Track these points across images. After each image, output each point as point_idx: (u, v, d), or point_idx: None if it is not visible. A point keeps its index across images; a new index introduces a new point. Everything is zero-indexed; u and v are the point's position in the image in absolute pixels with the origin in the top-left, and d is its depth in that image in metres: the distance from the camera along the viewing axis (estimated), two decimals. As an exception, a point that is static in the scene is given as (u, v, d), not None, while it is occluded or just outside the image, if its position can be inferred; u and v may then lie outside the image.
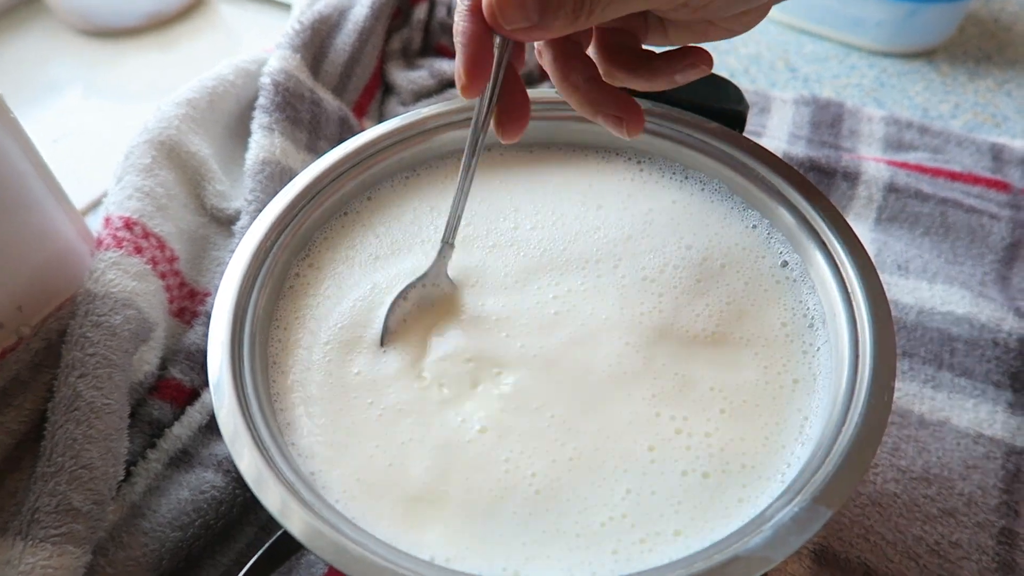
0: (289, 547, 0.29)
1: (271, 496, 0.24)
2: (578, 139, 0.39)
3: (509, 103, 0.29)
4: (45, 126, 0.59)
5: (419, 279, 0.31)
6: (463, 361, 0.30)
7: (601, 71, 0.30)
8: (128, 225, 0.40)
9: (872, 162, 0.52)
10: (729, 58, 0.66)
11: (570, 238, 0.34)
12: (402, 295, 0.31)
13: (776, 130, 0.57)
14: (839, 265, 0.31)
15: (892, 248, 0.49)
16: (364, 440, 0.28)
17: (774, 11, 0.69)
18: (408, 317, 0.31)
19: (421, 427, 0.28)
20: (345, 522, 0.25)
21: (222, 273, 0.43)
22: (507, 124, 0.29)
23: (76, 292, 0.37)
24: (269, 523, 0.37)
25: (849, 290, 0.30)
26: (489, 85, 0.28)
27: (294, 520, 0.24)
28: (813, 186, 0.34)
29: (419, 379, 0.29)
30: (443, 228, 0.32)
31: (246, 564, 0.35)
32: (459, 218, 0.31)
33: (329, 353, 0.30)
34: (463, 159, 0.30)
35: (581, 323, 0.31)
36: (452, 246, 0.32)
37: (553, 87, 0.31)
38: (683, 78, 0.29)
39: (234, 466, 0.36)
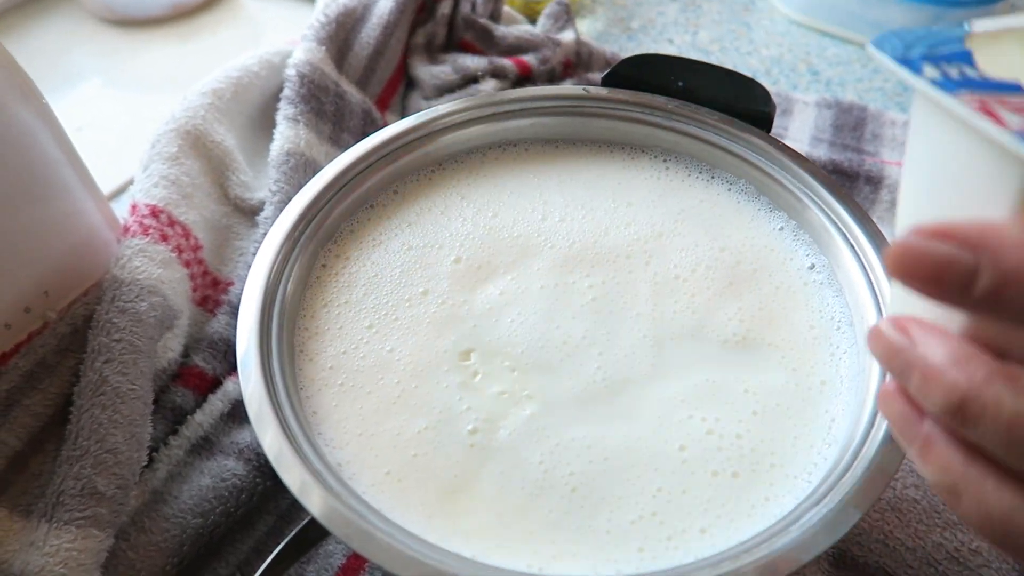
0: (314, 536, 0.29)
1: (293, 477, 0.24)
2: (605, 136, 0.39)
3: None
4: (68, 115, 0.60)
5: None
6: (498, 354, 0.30)
7: None
8: (154, 213, 0.40)
9: (895, 166, 0.52)
10: (751, 59, 0.66)
11: (601, 232, 0.34)
12: None
13: (798, 132, 0.57)
14: (867, 267, 0.31)
15: (914, 253, 0.48)
16: (394, 431, 0.28)
17: (796, 13, 0.69)
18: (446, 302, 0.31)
19: (454, 421, 0.28)
20: (371, 511, 0.25)
21: (245, 263, 0.44)
22: None
23: (102, 278, 0.37)
24: (289, 512, 0.37)
25: (877, 292, 0.30)
26: None
27: (317, 503, 0.24)
28: (841, 187, 0.34)
29: (453, 370, 0.29)
30: (476, 219, 0.31)
31: (265, 551, 0.35)
32: None
33: (360, 342, 0.30)
34: None
35: (614, 318, 0.31)
36: None
37: (577, 83, 0.30)
38: None
39: (256, 454, 0.36)
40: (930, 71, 0.14)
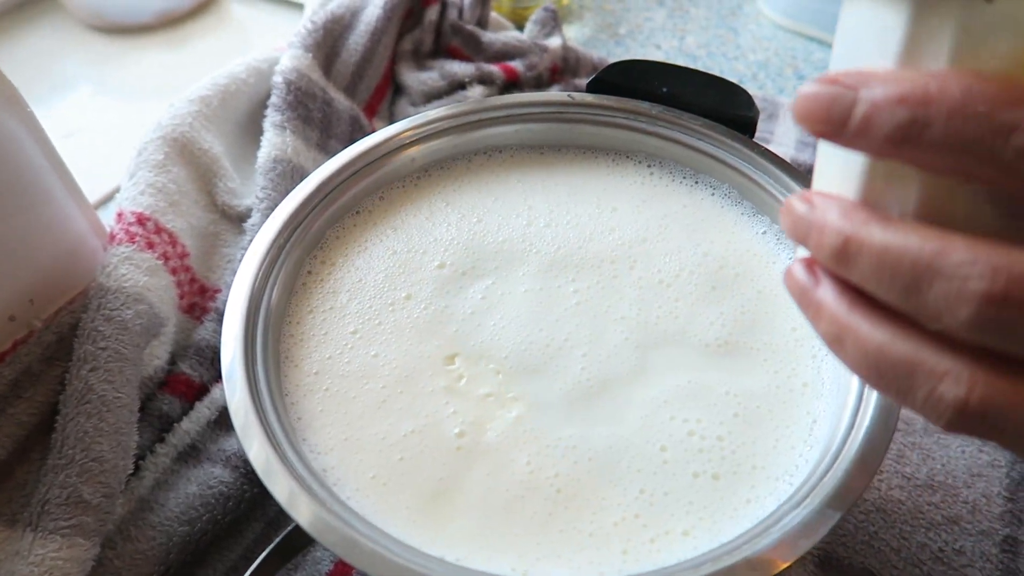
0: (299, 542, 0.29)
1: (281, 488, 0.24)
2: (590, 142, 0.39)
3: None
4: (55, 122, 0.60)
5: None
6: (482, 358, 0.30)
7: None
8: (141, 220, 0.40)
9: (880, 170, 0.52)
10: (737, 64, 0.66)
11: (585, 237, 0.34)
12: None
13: (784, 136, 0.57)
14: (849, 271, 0.31)
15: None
16: (380, 435, 0.28)
17: (783, 18, 0.69)
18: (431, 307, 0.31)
19: (441, 424, 0.28)
20: (356, 517, 0.25)
21: (232, 270, 0.44)
22: None
23: (88, 286, 0.37)
24: (276, 519, 0.37)
25: (859, 295, 0.30)
26: None
27: (304, 512, 0.24)
28: (823, 192, 0.34)
29: (438, 374, 0.30)
30: (460, 224, 0.32)
31: (253, 559, 0.35)
32: None
33: (344, 348, 0.30)
34: None
35: (598, 321, 0.31)
36: None
37: (564, 89, 0.31)
38: None
39: (243, 461, 0.36)
40: None
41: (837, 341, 0.19)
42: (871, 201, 0.19)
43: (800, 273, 0.20)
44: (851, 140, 0.18)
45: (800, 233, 0.19)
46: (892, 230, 0.17)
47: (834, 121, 0.17)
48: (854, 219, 0.18)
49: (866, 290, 0.18)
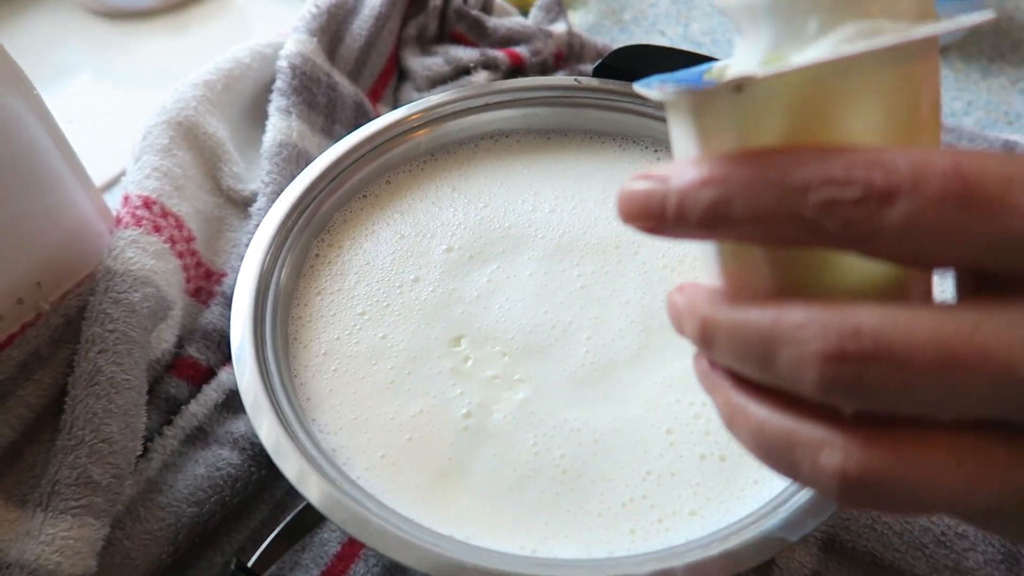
0: (309, 522, 0.29)
1: (291, 466, 0.25)
2: (596, 126, 0.39)
3: None
4: (58, 107, 0.59)
5: None
6: (488, 340, 0.30)
7: None
8: (147, 204, 0.40)
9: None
10: (742, 51, 0.66)
11: (590, 223, 0.34)
12: None
13: (789, 123, 0.57)
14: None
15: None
16: (388, 416, 0.28)
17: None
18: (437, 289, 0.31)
19: (448, 405, 0.28)
20: (366, 496, 0.25)
21: (238, 255, 0.44)
22: None
23: (95, 269, 0.38)
24: (284, 501, 0.37)
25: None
26: None
27: (315, 491, 0.24)
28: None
29: (445, 356, 0.30)
30: (467, 208, 0.32)
31: (260, 540, 0.36)
32: None
33: (353, 329, 0.31)
34: None
35: (602, 305, 0.31)
36: None
37: (568, 75, 0.31)
38: None
39: (250, 444, 0.36)
40: (655, 83, 0.17)
41: (730, 422, 0.19)
42: (736, 283, 0.19)
43: (697, 363, 0.20)
44: (672, 231, 0.18)
45: (676, 323, 0.20)
46: (738, 307, 0.17)
47: (653, 215, 0.18)
48: (709, 302, 0.18)
49: (734, 369, 0.18)
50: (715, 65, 0.19)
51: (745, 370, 0.18)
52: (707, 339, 0.18)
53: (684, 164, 0.18)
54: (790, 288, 0.18)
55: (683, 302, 0.19)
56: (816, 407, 0.17)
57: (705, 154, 0.17)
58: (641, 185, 0.18)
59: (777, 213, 0.16)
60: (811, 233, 0.16)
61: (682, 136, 0.18)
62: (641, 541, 0.25)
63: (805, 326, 0.16)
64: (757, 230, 0.16)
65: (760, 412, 0.17)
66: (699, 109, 0.17)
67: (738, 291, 0.18)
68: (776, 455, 0.17)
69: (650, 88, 0.17)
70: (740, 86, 0.16)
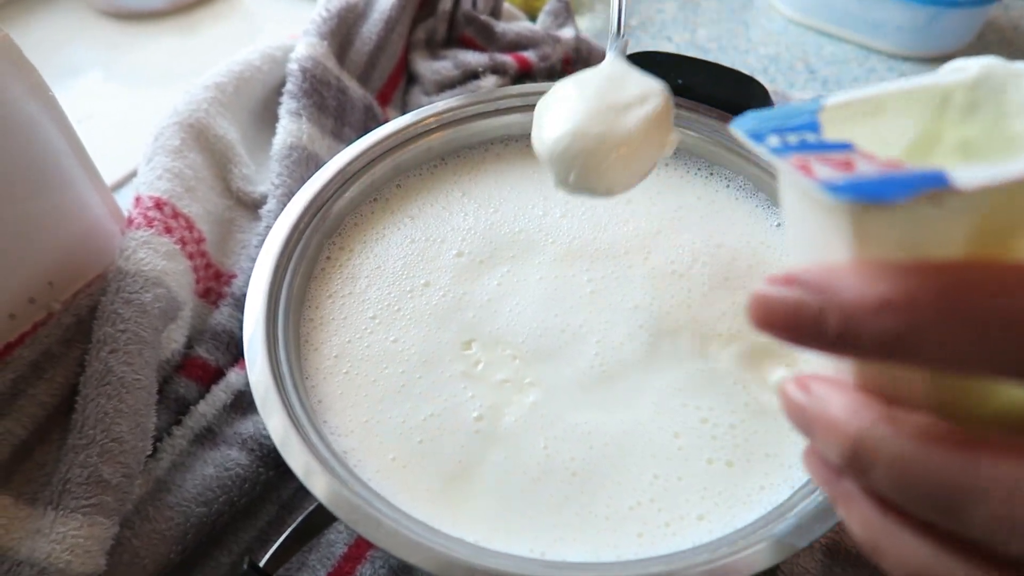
0: (318, 523, 0.30)
1: (299, 464, 0.25)
2: (605, 132, 0.39)
3: None
4: (68, 107, 0.60)
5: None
6: (499, 343, 0.30)
7: None
8: (158, 205, 0.40)
9: (890, 165, 0.53)
10: (749, 58, 0.66)
11: (600, 228, 0.35)
12: None
13: (794, 131, 0.57)
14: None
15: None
16: (399, 419, 0.28)
17: (794, 12, 0.69)
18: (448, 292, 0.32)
19: (460, 408, 0.29)
20: (377, 497, 0.25)
21: (248, 256, 0.44)
22: None
23: (106, 269, 0.38)
24: (291, 501, 0.37)
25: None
26: None
27: (326, 491, 0.24)
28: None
29: (456, 360, 0.30)
30: (478, 213, 0.32)
31: (267, 540, 0.36)
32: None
33: (364, 332, 0.31)
34: None
35: (612, 309, 0.32)
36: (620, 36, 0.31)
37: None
38: None
39: (258, 445, 0.37)
40: (773, 140, 0.15)
41: (874, 548, 0.16)
42: (878, 392, 0.16)
43: (816, 460, 0.18)
44: (826, 349, 0.15)
45: (803, 427, 0.17)
46: (908, 437, 0.15)
47: (803, 331, 0.15)
48: (860, 419, 0.15)
49: (894, 503, 0.15)
50: (826, 103, 0.17)
51: (911, 509, 0.15)
52: (858, 464, 0.15)
53: (846, 274, 0.15)
54: (946, 408, 0.15)
55: (817, 408, 0.16)
56: (991, 553, 0.14)
57: (862, 258, 0.15)
58: (785, 293, 0.15)
59: (980, 352, 0.13)
60: (1010, 371, 0.13)
61: (822, 225, 0.15)
62: (648, 545, 0.25)
63: (1016, 487, 0.13)
64: (947, 366, 0.14)
65: (923, 551, 0.15)
66: (865, 212, 0.14)
67: (879, 395, 0.16)
68: None
69: (781, 156, 0.15)
70: (938, 198, 0.13)
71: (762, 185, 0.36)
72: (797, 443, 0.28)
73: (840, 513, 0.17)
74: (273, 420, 0.26)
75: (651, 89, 0.28)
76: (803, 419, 0.17)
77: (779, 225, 0.35)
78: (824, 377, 0.17)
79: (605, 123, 0.26)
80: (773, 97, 0.60)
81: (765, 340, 0.30)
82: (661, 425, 0.28)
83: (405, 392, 0.29)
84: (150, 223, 0.39)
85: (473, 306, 0.32)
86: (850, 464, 0.16)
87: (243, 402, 0.39)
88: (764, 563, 0.23)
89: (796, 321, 0.15)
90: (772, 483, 0.27)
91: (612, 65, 0.30)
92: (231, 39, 0.68)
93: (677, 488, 0.27)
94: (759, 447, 0.28)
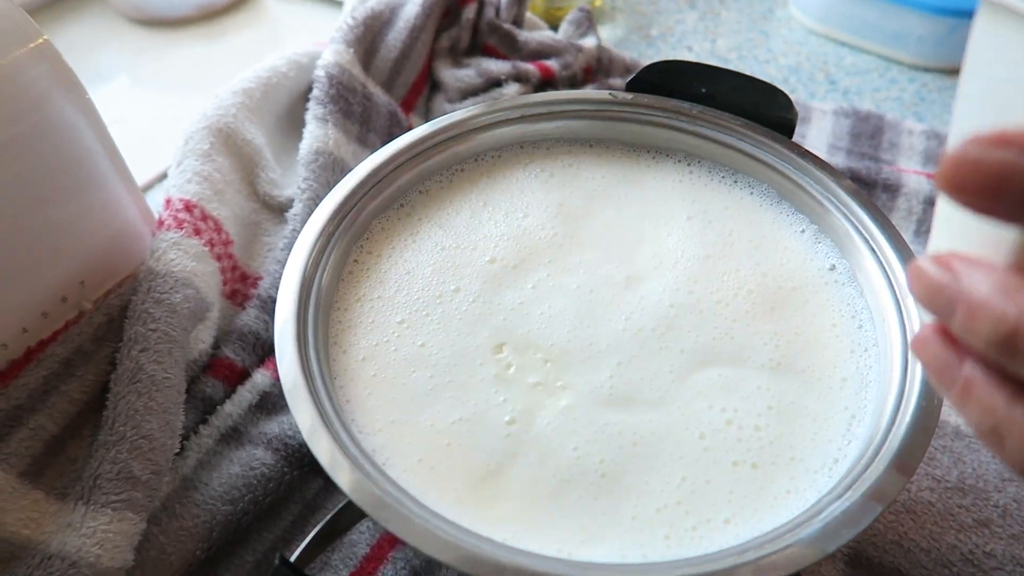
0: (347, 521, 0.30)
1: (325, 453, 0.25)
2: (630, 139, 0.40)
3: None
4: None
5: None
6: (530, 347, 0.31)
7: None
8: (188, 207, 0.41)
9: (912, 175, 0.53)
10: (769, 68, 0.66)
11: (634, 237, 0.35)
12: None
13: (815, 140, 0.58)
14: (888, 269, 0.32)
15: (930, 260, 0.49)
16: (428, 422, 0.29)
17: (814, 23, 0.69)
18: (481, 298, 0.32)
19: (491, 412, 0.29)
20: (406, 495, 0.26)
21: (273, 259, 0.45)
22: None
23: (137, 269, 0.39)
24: (314, 501, 0.38)
25: (898, 294, 0.31)
26: None
27: (353, 485, 0.25)
28: (863, 193, 0.34)
29: (488, 363, 0.30)
30: (507, 220, 0.32)
31: (291, 539, 0.36)
32: None
33: (392, 336, 0.31)
34: None
35: (639, 306, 0.32)
36: None
37: (600, 88, 0.31)
38: None
39: (283, 444, 0.37)
40: None
41: (994, 435, 0.16)
42: None
43: (936, 345, 0.17)
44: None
45: (940, 307, 0.16)
46: None
47: (1007, 196, 0.15)
48: (1021, 301, 0.15)
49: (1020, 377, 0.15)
50: None
51: None
52: (1011, 348, 0.15)
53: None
54: None
55: (964, 288, 0.16)
56: None
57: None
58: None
59: None
60: None
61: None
62: (675, 547, 0.26)
63: None
64: None
65: None
66: None
67: None
68: None
69: None
70: None
71: (786, 193, 0.37)
72: (822, 446, 0.28)
73: (953, 399, 0.17)
74: (301, 412, 0.26)
75: None
76: (942, 298, 0.16)
77: (803, 232, 0.35)
78: (967, 256, 0.16)
79: None
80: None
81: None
82: (687, 426, 0.28)
83: (434, 395, 0.29)
84: (180, 225, 0.40)
85: (503, 310, 0.32)
86: (1002, 348, 0.15)
87: (268, 402, 0.39)
88: (791, 567, 0.23)
89: (1003, 185, 0.14)
90: (798, 487, 0.27)
91: None
92: (256, 46, 0.69)
93: (704, 491, 0.27)
94: (784, 450, 0.28)
